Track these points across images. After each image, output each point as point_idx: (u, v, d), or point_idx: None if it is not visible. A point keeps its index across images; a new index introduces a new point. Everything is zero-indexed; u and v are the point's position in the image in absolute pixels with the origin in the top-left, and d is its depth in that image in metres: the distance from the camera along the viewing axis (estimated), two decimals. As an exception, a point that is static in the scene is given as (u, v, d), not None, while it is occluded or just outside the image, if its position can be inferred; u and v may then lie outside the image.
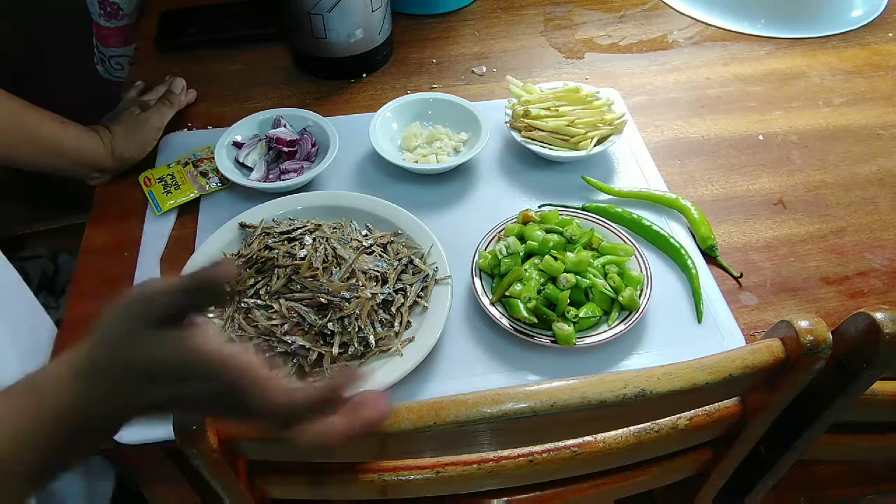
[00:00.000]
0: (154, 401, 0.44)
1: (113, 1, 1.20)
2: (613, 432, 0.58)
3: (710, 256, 0.81)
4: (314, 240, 0.75)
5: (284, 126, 0.92)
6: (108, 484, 0.80)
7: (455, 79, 1.06)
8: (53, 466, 0.44)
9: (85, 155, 0.85)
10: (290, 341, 0.68)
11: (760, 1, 1.18)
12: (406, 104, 0.95)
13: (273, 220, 0.80)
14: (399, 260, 0.76)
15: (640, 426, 0.58)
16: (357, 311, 0.70)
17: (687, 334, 0.74)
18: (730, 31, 1.15)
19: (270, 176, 0.89)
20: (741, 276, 0.79)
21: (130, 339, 0.43)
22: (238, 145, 0.92)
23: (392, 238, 0.78)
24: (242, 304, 0.71)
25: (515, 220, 0.80)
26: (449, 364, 0.71)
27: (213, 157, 0.91)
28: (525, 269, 0.73)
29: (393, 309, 0.72)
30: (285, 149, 0.90)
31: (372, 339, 0.69)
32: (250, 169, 0.90)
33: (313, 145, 0.92)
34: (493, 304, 0.73)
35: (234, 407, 0.44)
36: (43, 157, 0.83)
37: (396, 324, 0.71)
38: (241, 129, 0.93)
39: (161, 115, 0.93)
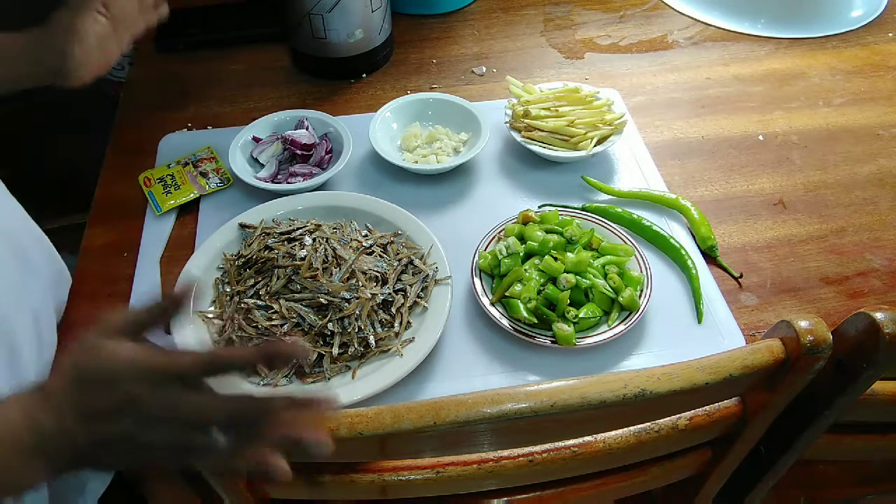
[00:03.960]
0: (95, 410, 0.43)
1: (113, 1, 1.19)
2: (613, 432, 0.58)
3: (710, 256, 0.81)
4: (314, 240, 0.75)
5: (307, 129, 0.92)
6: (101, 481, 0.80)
7: (455, 79, 1.06)
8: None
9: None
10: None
11: (760, 1, 1.18)
12: (406, 104, 0.95)
13: (273, 221, 0.80)
14: (399, 260, 0.76)
15: (640, 426, 0.58)
16: (357, 312, 0.70)
17: (687, 334, 0.74)
18: (730, 31, 1.15)
19: (279, 176, 0.89)
20: (741, 276, 0.79)
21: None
22: (258, 140, 0.92)
23: (392, 238, 0.78)
24: (242, 305, 0.71)
25: (515, 220, 0.80)
26: (449, 364, 0.72)
27: (214, 157, 0.91)
28: (525, 270, 0.73)
29: (393, 309, 0.72)
30: (299, 151, 0.89)
31: (372, 339, 0.69)
32: (263, 165, 0.90)
33: (328, 152, 0.91)
34: (493, 304, 0.73)
35: (172, 407, 0.43)
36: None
37: (396, 324, 0.71)
38: (262, 127, 0.93)
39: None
